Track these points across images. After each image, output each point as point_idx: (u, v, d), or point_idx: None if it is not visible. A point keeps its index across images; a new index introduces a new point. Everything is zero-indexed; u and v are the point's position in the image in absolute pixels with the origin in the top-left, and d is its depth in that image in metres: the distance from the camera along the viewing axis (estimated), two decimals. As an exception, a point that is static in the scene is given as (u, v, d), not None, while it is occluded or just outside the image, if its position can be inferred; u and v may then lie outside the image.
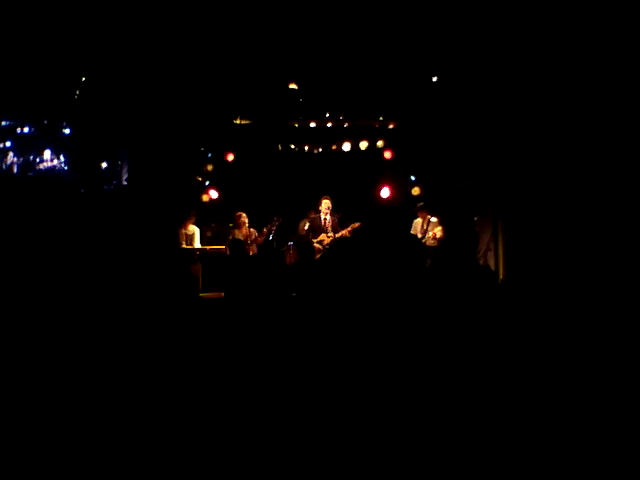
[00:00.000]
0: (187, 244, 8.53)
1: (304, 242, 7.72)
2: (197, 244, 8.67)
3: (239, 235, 8.19)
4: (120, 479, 2.59)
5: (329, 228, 8.12)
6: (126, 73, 7.72)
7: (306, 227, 8.34)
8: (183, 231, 8.58)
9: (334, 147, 9.71)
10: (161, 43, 7.29)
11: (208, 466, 2.65)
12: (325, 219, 8.18)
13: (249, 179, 9.49)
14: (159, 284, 4.05)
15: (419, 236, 8.24)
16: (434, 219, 8.47)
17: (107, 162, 8.39)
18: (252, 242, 8.15)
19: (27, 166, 7.77)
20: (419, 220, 8.57)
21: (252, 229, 8.29)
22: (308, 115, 9.48)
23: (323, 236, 8.07)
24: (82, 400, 2.97)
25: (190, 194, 9.17)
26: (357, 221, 8.19)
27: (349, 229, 8.08)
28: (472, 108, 7.99)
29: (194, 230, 8.70)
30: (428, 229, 8.40)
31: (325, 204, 8.17)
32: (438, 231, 8.20)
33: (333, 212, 8.24)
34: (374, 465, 2.63)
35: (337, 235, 8.03)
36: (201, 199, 9.17)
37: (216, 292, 7.46)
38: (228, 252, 7.91)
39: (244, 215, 8.28)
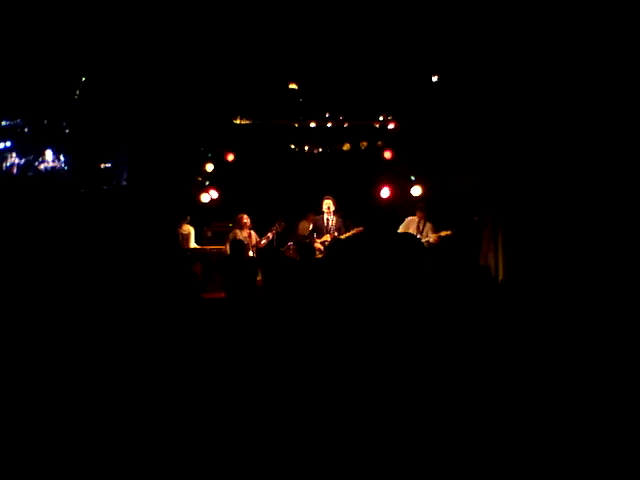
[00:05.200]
0: (183, 244, 8.54)
1: (304, 242, 7.72)
2: (192, 244, 8.68)
3: (240, 236, 8.19)
4: (120, 479, 2.59)
5: (332, 228, 8.13)
6: (126, 73, 7.71)
7: (310, 228, 8.35)
8: (179, 231, 8.60)
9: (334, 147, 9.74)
10: (161, 43, 7.29)
11: (208, 464, 2.65)
12: (328, 219, 8.18)
13: (249, 179, 9.49)
14: (160, 284, 4.05)
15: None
16: (429, 224, 8.47)
17: (107, 162, 8.38)
18: (253, 246, 8.17)
19: (27, 166, 7.76)
20: (415, 219, 8.53)
21: (253, 232, 8.29)
22: (308, 115, 9.48)
23: (327, 237, 8.07)
24: (83, 399, 2.96)
25: (189, 194, 9.17)
26: (359, 224, 8.20)
27: (352, 233, 8.09)
28: (472, 108, 7.99)
29: (189, 230, 8.71)
30: (423, 231, 8.39)
31: (326, 204, 8.17)
32: (435, 237, 8.20)
33: (335, 213, 8.24)
34: (374, 464, 2.62)
35: (341, 237, 8.04)
36: (199, 199, 9.16)
37: (216, 292, 7.45)
38: (228, 252, 7.92)
39: (246, 216, 8.29)
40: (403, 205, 9.25)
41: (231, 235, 8.26)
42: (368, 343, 3.27)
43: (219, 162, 9.48)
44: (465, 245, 8.38)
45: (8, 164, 7.70)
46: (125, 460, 2.63)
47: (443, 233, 8.21)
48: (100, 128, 8.10)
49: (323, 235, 8.11)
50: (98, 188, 8.18)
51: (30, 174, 7.80)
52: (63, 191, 7.74)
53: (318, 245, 8.01)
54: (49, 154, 7.88)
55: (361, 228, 8.14)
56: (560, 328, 3.68)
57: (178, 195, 8.78)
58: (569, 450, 2.64)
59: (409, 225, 8.52)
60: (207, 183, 9.52)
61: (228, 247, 8.05)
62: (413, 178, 9.40)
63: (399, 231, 8.38)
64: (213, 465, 2.65)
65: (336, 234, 8.07)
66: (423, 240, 8.28)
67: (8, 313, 3.95)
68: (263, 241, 8.22)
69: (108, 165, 8.41)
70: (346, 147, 9.70)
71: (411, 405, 2.92)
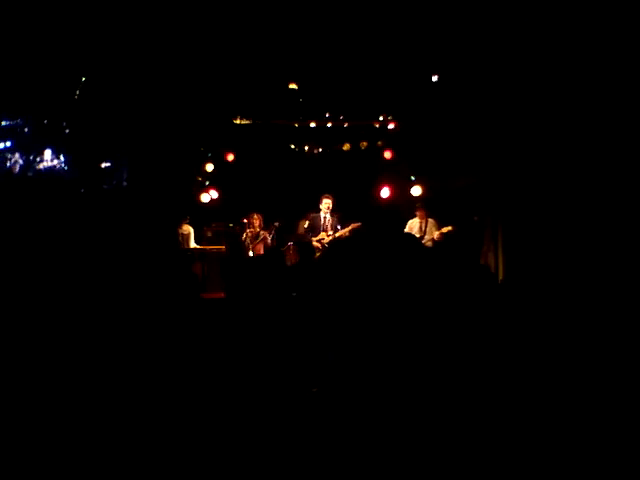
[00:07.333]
0: (183, 244, 8.57)
1: (304, 242, 7.72)
2: (192, 244, 8.71)
3: (248, 235, 8.28)
4: (120, 479, 2.59)
5: (329, 227, 8.13)
6: (126, 73, 7.71)
7: (306, 226, 8.36)
8: (179, 231, 8.63)
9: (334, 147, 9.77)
10: (161, 43, 7.28)
11: (208, 464, 2.65)
12: (325, 217, 8.19)
13: (249, 179, 9.50)
14: (160, 284, 4.05)
15: (417, 236, 8.23)
16: (432, 220, 8.48)
17: (107, 162, 8.38)
18: (260, 241, 8.24)
19: (27, 166, 7.76)
20: (416, 220, 8.56)
21: (262, 231, 8.36)
22: (308, 115, 9.49)
23: (323, 235, 8.08)
24: (83, 399, 2.96)
25: (189, 194, 9.19)
26: (357, 221, 8.20)
27: (349, 229, 8.10)
28: (472, 108, 7.99)
29: (189, 230, 8.75)
30: (426, 230, 8.40)
31: (325, 203, 8.17)
32: (437, 234, 8.21)
33: (333, 212, 8.25)
34: (374, 464, 2.62)
35: (337, 234, 8.04)
36: (199, 199, 9.19)
37: (216, 292, 7.46)
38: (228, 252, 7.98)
39: (256, 216, 8.37)
40: (403, 205, 9.26)
41: (243, 236, 8.35)
42: (368, 343, 3.27)
43: (219, 162, 9.50)
44: (465, 245, 8.38)
45: (8, 164, 7.69)
46: (125, 460, 2.63)
47: (445, 229, 8.22)
48: (100, 128, 8.09)
49: (319, 233, 8.13)
50: (98, 188, 8.18)
51: (30, 174, 7.80)
52: (63, 191, 7.74)
53: (315, 243, 8.03)
54: (49, 154, 7.88)
55: (359, 223, 8.16)
56: (560, 328, 3.68)
57: (178, 195, 8.79)
58: (569, 450, 2.64)
59: (411, 228, 8.54)
60: (207, 183, 9.54)
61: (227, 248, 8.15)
62: (413, 178, 9.41)
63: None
64: (213, 465, 2.66)
65: (331, 232, 8.08)
66: (427, 238, 8.30)
67: (8, 312, 3.96)
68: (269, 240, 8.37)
69: (108, 165, 8.41)
70: (346, 147, 9.72)
71: (411, 405, 2.92)
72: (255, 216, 8.40)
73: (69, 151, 7.99)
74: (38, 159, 7.87)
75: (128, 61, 7.53)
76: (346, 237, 8.05)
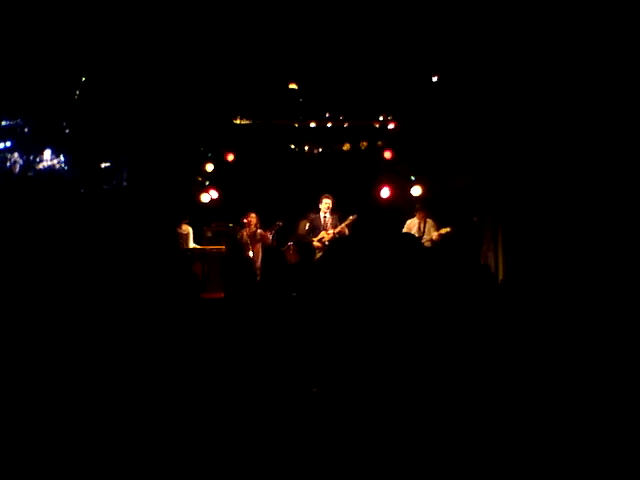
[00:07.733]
0: (182, 244, 8.58)
1: (304, 242, 7.72)
2: (191, 244, 8.72)
3: (245, 235, 8.28)
4: (120, 479, 2.59)
5: (329, 227, 8.14)
6: (126, 73, 7.72)
7: (307, 227, 8.36)
8: (178, 231, 8.63)
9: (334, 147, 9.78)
10: (161, 43, 7.29)
11: (208, 464, 2.65)
12: (325, 217, 8.19)
13: (249, 179, 9.51)
14: (160, 284, 4.05)
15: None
16: (431, 221, 8.47)
17: (107, 162, 8.39)
18: (258, 240, 8.24)
19: (27, 166, 7.76)
20: (415, 220, 8.55)
21: (260, 230, 8.36)
22: (308, 115, 9.50)
23: (323, 234, 8.08)
24: (83, 400, 2.97)
25: (189, 194, 9.20)
26: (353, 215, 8.21)
27: (346, 223, 8.11)
28: (472, 108, 7.99)
29: (188, 230, 8.75)
30: (425, 230, 8.40)
31: (325, 203, 8.17)
32: (435, 234, 8.21)
33: (333, 212, 8.25)
34: (374, 464, 2.63)
35: (336, 230, 8.04)
36: (199, 199, 9.20)
37: (216, 292, 7.46)
38: (228, 252, 7.98)
39: (252, 215, 8.37)
40: (403, 205, 9.26)
41: (238, 236, 8.36)
42: (368, 343, 3.27)
43: (219, 162, 9.50)
44: (465, 245, 8.39)
45: (8, 164, 7.69)
46: (125, 459, 2.63)
47: (443, 231, 8.22)
48: (100, 128, 8.10)
49: (319, 233, 8.13)
50: (98, 188, 8.19)
51: (30, 174, 7.80)
52: (63, 191, 7.75)
53: (316, 243, 8.03)
54: (49, 154, 7.88)
55: (355, 216, 8.15)
56: (560, 328, 3.69)
57: (178, 195, 8.80)
58: (569, 450, 2.64)
59: (410, 227, 8.54)
60: (207, 183, 9.54)
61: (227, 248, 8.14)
62: (413, 178, 9.42)
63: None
64: (213, 465, 2.66)
65: (331, 230, 8.07)
66: (426, 239, 8.30)
67: (8, 312, 3.96)
68: (267, 237, 8.36)
69: (108, 165, 8.42)
70: (346, 147, 9.72)
71: (411, 405, 2.92)
72: (252, 215, 8.40)
73: (69, 151, 8.00)
74: (38, 159, 7.87)
75: (128, 61, 7.54)
76: (346, 236, 8.04)
